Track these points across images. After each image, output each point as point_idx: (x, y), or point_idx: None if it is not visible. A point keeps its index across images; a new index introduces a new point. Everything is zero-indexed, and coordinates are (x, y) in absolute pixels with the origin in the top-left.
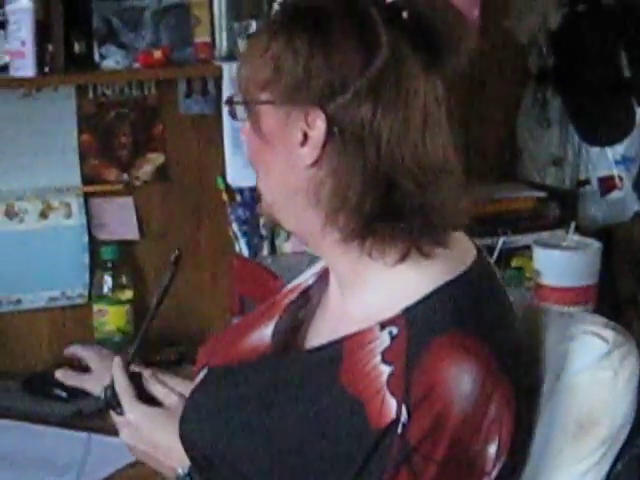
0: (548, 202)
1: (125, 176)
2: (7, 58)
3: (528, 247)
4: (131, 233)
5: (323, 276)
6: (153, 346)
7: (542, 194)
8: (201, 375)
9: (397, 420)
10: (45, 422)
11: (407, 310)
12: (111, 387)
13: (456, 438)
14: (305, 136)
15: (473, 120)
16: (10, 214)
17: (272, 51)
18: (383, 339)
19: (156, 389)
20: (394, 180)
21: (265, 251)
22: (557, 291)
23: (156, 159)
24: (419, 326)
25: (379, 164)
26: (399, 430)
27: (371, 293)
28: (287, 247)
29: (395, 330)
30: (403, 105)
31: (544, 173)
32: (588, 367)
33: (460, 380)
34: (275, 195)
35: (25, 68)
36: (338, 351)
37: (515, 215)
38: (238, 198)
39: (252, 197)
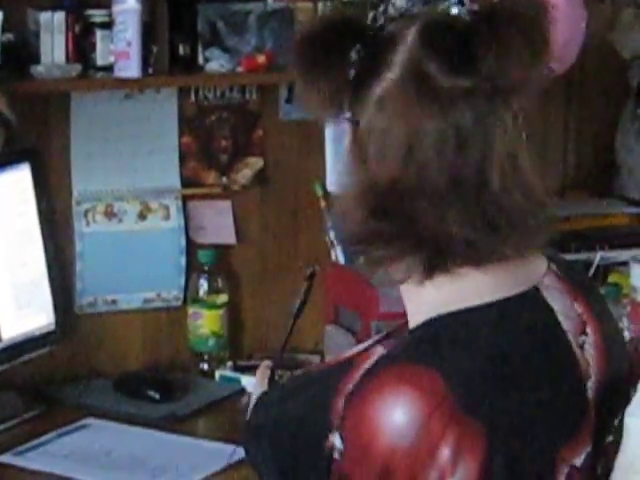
0: None
1: (224, 180)
2: (112, 58)
3: (625, 263)
4: (228, 237)
5: None
6: (245, 352)
7: None
8: None
9: (335, 446)
10: (137, 423)
11: (410, 332)
12: None
13: (387, 471)
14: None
15: (571, 134)
16: (109, 214)
17: None
18: (371, 359)
19: None
20: None
21: (361, 259)
22: None
23: (255, 163)
24: (388, 353)
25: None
26: (336, 456)
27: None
28: None
29: (382, 351)
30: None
31: None
32: None
33: (391, 413)
34: None
35: (130, 69)
36: (351, 364)
37: (612, 231)
38: None
39: None
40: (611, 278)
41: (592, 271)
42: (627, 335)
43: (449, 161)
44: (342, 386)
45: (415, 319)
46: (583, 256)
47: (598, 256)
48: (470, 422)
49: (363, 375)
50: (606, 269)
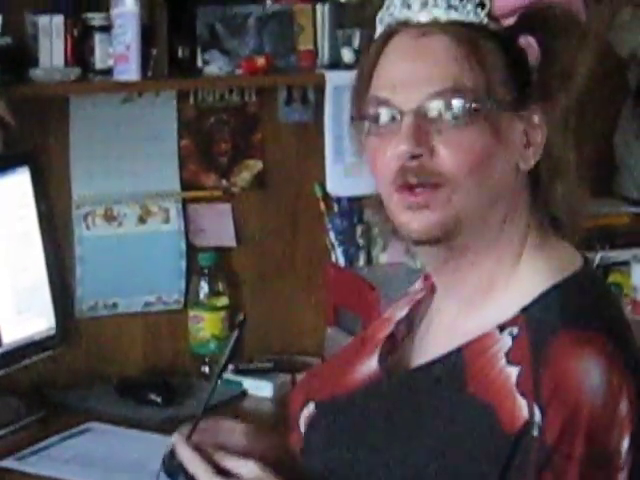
0: None
1: (223, 182)
2: (111, 62)
3: (626, 263)
4: (228, 240)
5: (420, 302)
6: (247, 355)
7: None
8: (306, 413)
9: (530, 421)
10: (139, 427)
11: (525, 309)
12: (179, 467)
13: (591, 433)
14: (527, 137)
15: None
16: (109, 218)
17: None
18: (505, 341)
19: (230, 464)
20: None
21: (361, 261)
22: None
23: (254, 166)
24: (538, 324)
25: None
26: (534, 432)
27: (492, 301)
28: (383, 258)
29: (515, 330)
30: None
31: None
32: None
33: (588, 374)
34: (479, 204)
35: (129, 72)
36: (458, 361)
37: (612, 231)
38: (335, 207)
39: (350, 207)
40: (611, 278)
41: None
42: None
43: None
44: (484, 378)
45: (528, 291)
46: None
47: (598, 256)
48: (631, 376)
49: (533, 348)
50: (606, 269)
